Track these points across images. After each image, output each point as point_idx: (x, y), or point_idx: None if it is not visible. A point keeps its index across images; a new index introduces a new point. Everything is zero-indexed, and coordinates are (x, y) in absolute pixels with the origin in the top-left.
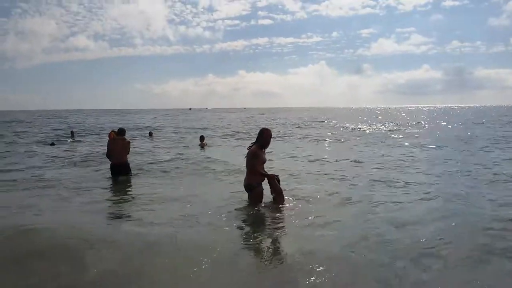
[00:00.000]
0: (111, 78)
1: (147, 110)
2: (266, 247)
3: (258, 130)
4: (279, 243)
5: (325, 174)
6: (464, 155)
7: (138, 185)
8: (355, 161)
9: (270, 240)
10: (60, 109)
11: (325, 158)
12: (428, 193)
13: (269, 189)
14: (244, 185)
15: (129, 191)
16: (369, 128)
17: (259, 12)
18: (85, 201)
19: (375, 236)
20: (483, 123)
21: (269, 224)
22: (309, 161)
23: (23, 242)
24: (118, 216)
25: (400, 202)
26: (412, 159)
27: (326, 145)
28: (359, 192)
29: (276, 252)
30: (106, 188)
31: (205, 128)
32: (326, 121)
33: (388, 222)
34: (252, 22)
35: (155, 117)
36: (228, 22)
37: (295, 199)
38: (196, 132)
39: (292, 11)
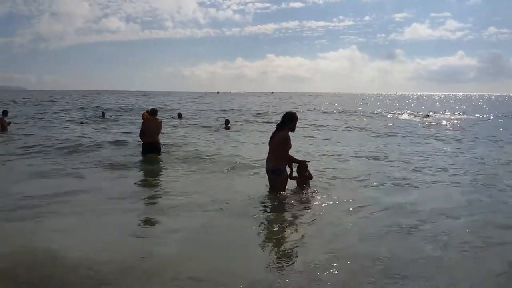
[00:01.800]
0: (141, 60)
1: (175, 92)
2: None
3: (285, 114)
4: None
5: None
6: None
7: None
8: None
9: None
10: (92, 90)
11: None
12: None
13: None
14: (268, 169)
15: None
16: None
17: None
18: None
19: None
20: None
21: (309, 209)
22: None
23: None
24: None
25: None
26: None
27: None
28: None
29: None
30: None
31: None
32: (360, 109)
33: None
34: (283, 5)
35: (180, 99)
36: (259, 5)
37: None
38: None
39: None
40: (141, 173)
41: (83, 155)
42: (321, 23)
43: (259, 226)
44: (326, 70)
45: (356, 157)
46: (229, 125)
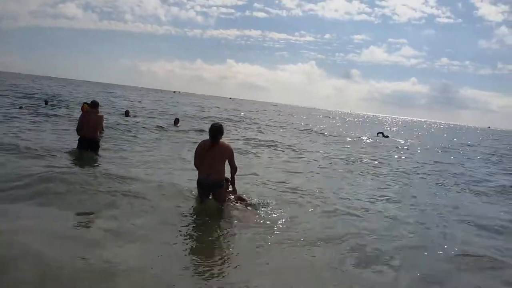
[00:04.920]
0: (97, 50)
1: (130, 87)
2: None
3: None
4: None
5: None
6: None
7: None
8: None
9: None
10: (44, 75)
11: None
12: None
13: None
14: (209, 182)
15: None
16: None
17: (255, 4)
18: None
19: None
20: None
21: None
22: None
23: None
24: None
25: None
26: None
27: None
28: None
29: None
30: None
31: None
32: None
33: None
34: (247, 13)
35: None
36: (223, 9)
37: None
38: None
39: (288, 7)
40: None
41: None
42: (283, 35)
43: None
44: (284, 81)
45: None
46: (178, 124)
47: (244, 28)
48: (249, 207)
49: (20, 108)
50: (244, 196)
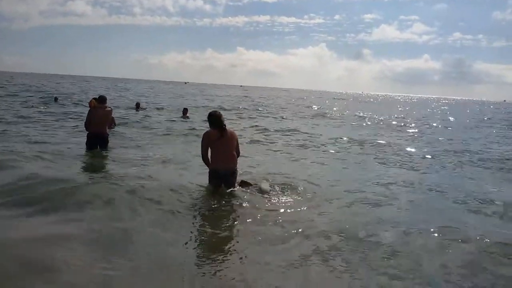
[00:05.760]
0: (107, 46)
1: (141, 80)
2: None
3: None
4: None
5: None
6: None
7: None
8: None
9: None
10: (56, 74)
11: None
12: None
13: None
14: (227, 172)
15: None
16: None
17: None
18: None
19: None
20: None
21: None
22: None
23: None
24: None
25: None
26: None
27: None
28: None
29: None
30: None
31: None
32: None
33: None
34: None
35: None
36: None
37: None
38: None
39: None
40: None
41: None
42: (292, 19)
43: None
44: (295, 66)
45: None
46: (186, 114)
47: (252, 14)
48: (256, 191)
49: (32, 107)
50: (250, 181)
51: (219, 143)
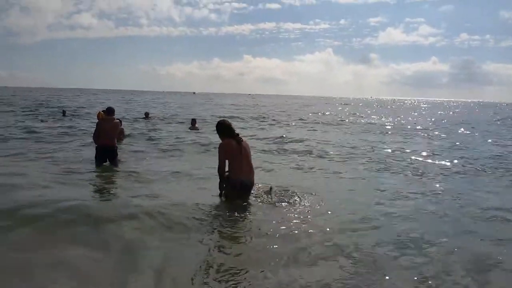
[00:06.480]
0: (114, 58)
1: (149, 92)
2: None
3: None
4: None
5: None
6: None
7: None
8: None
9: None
10: (65, 88)
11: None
12: None
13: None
14: (248, 184)
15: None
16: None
17: None
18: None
19: None
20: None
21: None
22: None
23: None
24: None
25: None
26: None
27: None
28: None
29: None
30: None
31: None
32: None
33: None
34: (260, 5)
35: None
36: (235, 5)
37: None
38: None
39: None
40: None
41: None
42: (298, 25)
43: None
44: (302, 72)
45: None
46: (196, 125)
47: (258, 22)
48: (269, 197)
49: (42, 121)
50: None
51: (239, 153)
